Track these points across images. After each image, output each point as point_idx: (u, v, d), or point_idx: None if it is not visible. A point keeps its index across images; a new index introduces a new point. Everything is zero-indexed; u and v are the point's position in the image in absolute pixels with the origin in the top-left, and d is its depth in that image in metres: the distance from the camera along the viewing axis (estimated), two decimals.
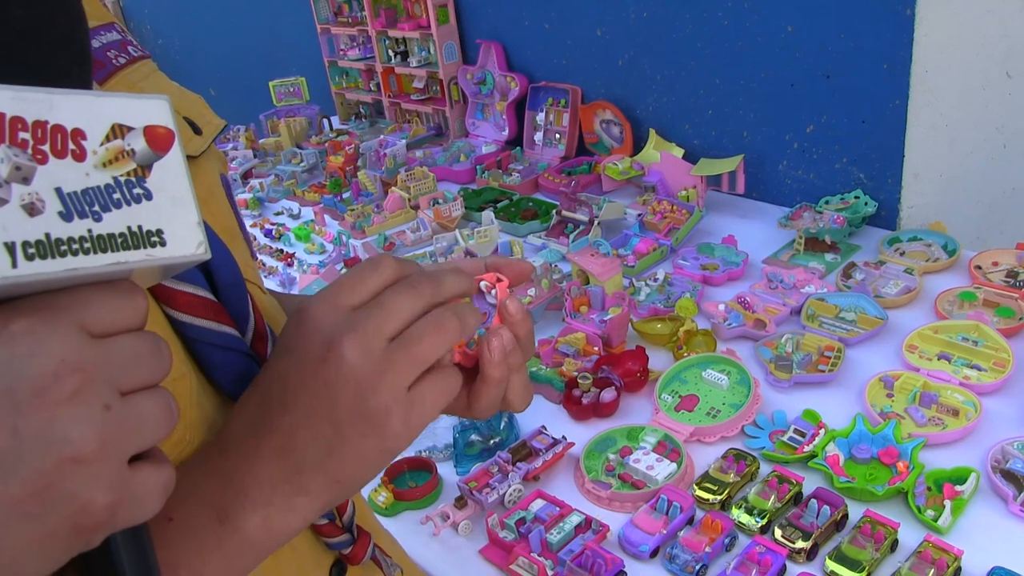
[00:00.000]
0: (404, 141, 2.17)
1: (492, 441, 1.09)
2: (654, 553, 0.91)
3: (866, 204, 1.49)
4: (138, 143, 0.38)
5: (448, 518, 0.99)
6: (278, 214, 2.05)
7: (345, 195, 2.02)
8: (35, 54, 0.38)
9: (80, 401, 0.34)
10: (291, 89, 2.57)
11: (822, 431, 1.03)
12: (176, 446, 0.48)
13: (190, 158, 0.60)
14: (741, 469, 0.99)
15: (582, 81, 1.91)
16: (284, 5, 2.73)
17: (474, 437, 1.08)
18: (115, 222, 0.36)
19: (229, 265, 0.56)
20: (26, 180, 0.34)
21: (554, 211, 1.67)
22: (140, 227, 0.37)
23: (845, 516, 0.92)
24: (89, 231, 0.36)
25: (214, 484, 0.45)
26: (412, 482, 1.06)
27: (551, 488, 1.02)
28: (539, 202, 1.77)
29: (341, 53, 2.52)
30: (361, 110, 2.57)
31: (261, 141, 2.47)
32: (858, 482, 0.96)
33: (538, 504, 0.98)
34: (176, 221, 0.39)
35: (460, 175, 1.99)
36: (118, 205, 0.37)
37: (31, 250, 0.34)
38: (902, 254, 1.41)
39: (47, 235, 0.34)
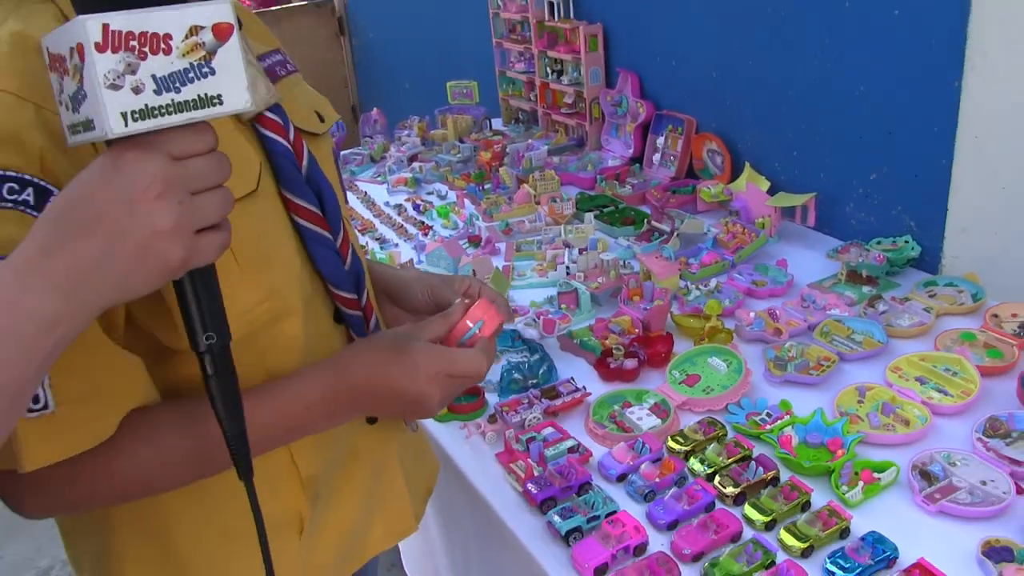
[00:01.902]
0: (547, 147, 2.50)
1: (531, 381, 1.39)
2: (621, 478, 1.19)
3: (912, 248, 1.68)
4: (207, 36, 0.59)
5: (480, 427, 1.30)
6: (429, 193, 2.42)
7: (486, 186, 2.36)
8: None
9: (163, 199, 0.58)
10: (464, 91, 2.95)
11: (787, 417, 1.28)
12: (295, 297, 0.83)
13: (314, 135, 0.95)
14: (709, 432, 1.25)
15: (697, 113, 2.18)
16: (468, 20, 3.11)
17: (516, 375, 1.39)
18: (189, 92, 0.58)
19: (332, 198, 0.89)
20: (133, 72, 0.56)
21: (645, 220, 1.95)
22: (206, 94, 0.59)
23: (776, 479, 1.16)
24: (172, 99, 0.58)
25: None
26: (463, 400, 1.38)
27: (564, 423, 1.31)
28: (639, 212, 2.05)
29: (510, 65, 2.87)
30: (520, 116, 2.91)
31: (431, 132, 2.87)
32: (798, 458, 1.20)
33: (548, 430, 1.28)
34: (232, 87, 0.60)
35: (583, 182, 2.30)
36: (192, 81, 0.58)
37: (136, 115, 0.56)
38: (932, 296, 1.60)
39: (146, 104, 0.57)
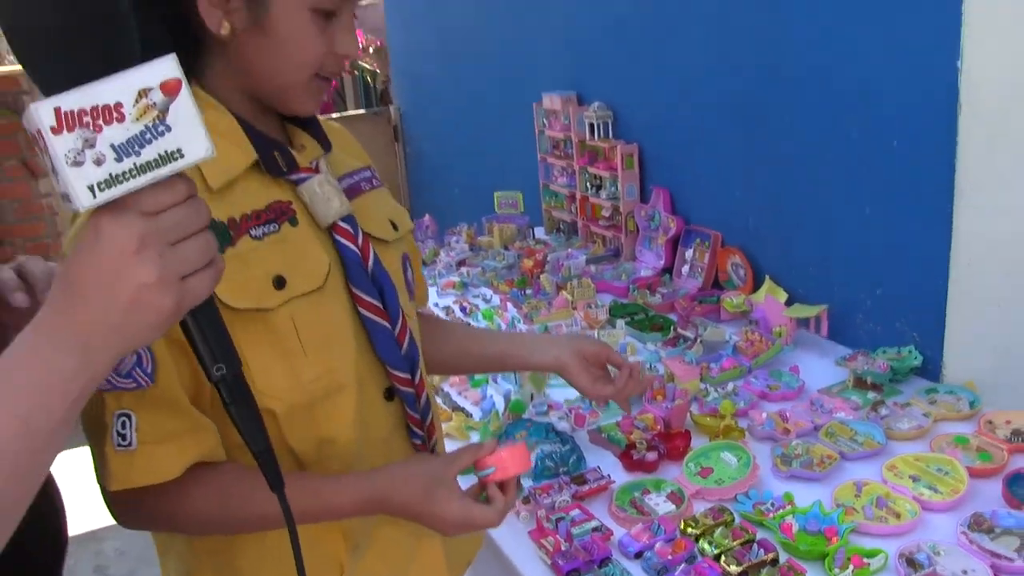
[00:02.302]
0: (585, 256, 2.71)
1: (561, 469, 1.56)
2: (638, 555, 1.35)
3: (914, 358, 1.84)
4: (157, 96, 0.60)
5: (515, 507, 1.47)
6: (475, 296, 2.63)
7: (528, 291, 2.57)
8: (94, 55, 0.61)
9: (141, 255, 0.61)
10: (510, 200, 3.20)
11: (789, 507, 1.43)
12: (350, 376, 1.02)
13: (385, 242, 1.16)
14: (718, 518, 1.40)
15: (723, 229, 2.38)
16: (516, 136, 3.37)
17: (549, 463, 1.56)
18: (150, 152, 0.60)
19: (393, 293, 1.10)
20: (92, 146, 0.58)
21: (672, 327, 2.13)
22: (167, 151, 0.61)
23: (775, 560, 1.31)
24: (135, 163, 0.60)
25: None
26: None
27: (590, 506, 1.48)
28: (667, 320, 2.23)
29: (553, 179, 3.11)
30: (561, 226, 3.14)
31: (478, 238, 3.10)
32: (796, 543, 1.34)
33: (575, 512, 1.44)
34: (190, 140, 0.62)
35: (617, 290, 2.49)
36: (150, 141, 0.60)
37: (102, 185, 0.59)
38: (933, 403, 1.74)
39: (110, 174, 0.59)
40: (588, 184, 2.91)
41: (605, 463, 1.60)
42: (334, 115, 5.32)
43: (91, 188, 0.60)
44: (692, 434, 1.65)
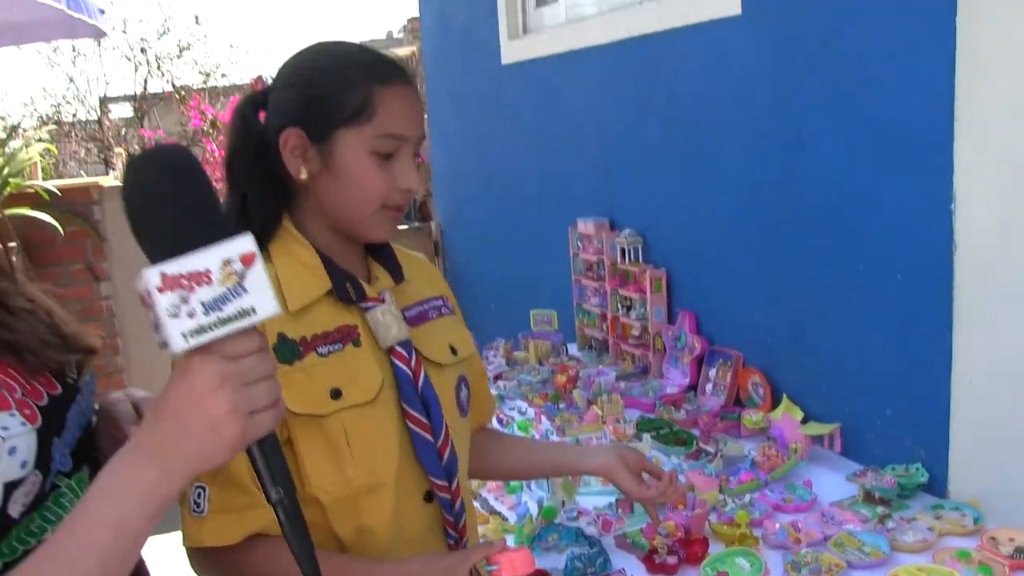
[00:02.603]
0: (615, 373, 2.88)
1: (589, 570, 1.70)
2: None
3: (921, 475, 1.97)
4: (237, 266, 0.76)
5: None
6: (511, 409, 2.79)
7: (561, 405, 2.73)
8: (191, 230, 0.76)
9: (220, 391, 0.74)
10: (545, 318, 3.39)
11: None
12: (390, 477, 1.19)
13: (440, 365, 1.34)
14: None
15: (744, 350, 2.55)
16: (551, 257, 3.60)
17: (578, 564, 1.70)
18: (230, 309, 0.75)
19: (438, 411, 1.27)
20: (186, 302, 0.73)
21: (695, 441, 2.28)
22: (243, 308, 0.76)
23: None
24: (218, 317, 0.75)
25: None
26: None
27: None
28: (690, 435, 2.38)
29: (586, 298, 3.31)
30: (593, 343, 3.32)
31: (515, 353, 3.28)
32: None
33: None
34: (262, 301, 0.77)
35: (645, 406, 2.65)
36: (230, 300, 0.75)
37: (193, 334, 0.74)
38: (938, 518, 1.87)
39: (199, 324, 0.74)
40: (619, 305, 3.10)
41: (629, 566, 1.74)
42: None
43: (184, 335, 0.74)
44: (710, 541, 1.79)
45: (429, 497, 1.29)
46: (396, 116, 1.20)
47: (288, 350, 1.18)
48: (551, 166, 3.74)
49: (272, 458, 0.82)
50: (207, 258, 0.75)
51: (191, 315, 0.74)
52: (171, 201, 0.77)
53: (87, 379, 1.09)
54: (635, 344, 3.02)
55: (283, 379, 1.11)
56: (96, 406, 1.14)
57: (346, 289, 1.24)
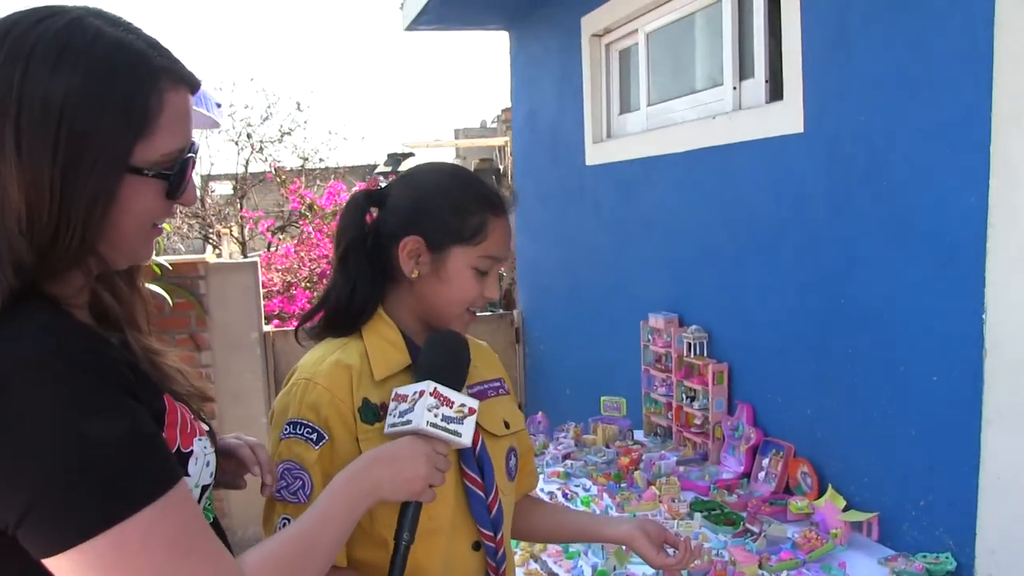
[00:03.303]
0: (675, 458, 3.07)
1: None
2: None
3: (949, 563, 2.11)
4: (466, 411, 1.28)
5: None
6: (576, 485, 3.00)
7: (623, 485, 2.93)
8: (454, 380, 1.32)
9: (423, 463, 1.22)
10: (614, 405, 3.60)
11: None
12: (445, 524, 1.42)
13: (495, 436, 1.58)
14: None
15: (795, 441, 2.72)
16: (623, 348, 3.83)
17: None
18: (451, 426, 1.26)
19: (490, 472, 1.50)
20: (437, 408, 1.25)
21: (742, 522, 2.45)
22: (455, 431, 1.26)
23: None
24: (444, 426, 1.25)
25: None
26: None
27: None
28: (739, 516, 2.55)
29: (654, 388, 3.52)
30: (658, 430, 3.51)
31: (584, 436, 3.49)
32: None
33: None
34: (466, 433, 1.27)
35: (700, 488, 2.83)
36: (453, 423, 1.26)
37: (431, 424, 1.24)
38: None
39: (435, 422, 1.25)
40: (684, 395, 3.30)
41: None
42: None
43: (428, 421, 1.25)
44: None
45: (477, 546, 1.49)
46: (499, 242, 1.48)
47: (370, 412, 1.41)
48: (626, 262, 4.00)
49: (414, 514, 1.27)
50: (459, 397, 1.29)
51: (435, 415, 1.26)
52: (456, 359, 1.38)
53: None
54: (696, 432, 3.21)
55: (364, 436, 1.39)
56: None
57: None
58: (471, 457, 1.47)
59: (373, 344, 1.46)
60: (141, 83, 0.97)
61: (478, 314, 1.62)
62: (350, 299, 1.48)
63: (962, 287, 2.12)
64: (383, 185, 1.57)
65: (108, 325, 1.08)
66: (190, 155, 1.04)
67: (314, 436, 1.37)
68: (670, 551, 1.65)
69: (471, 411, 1.29)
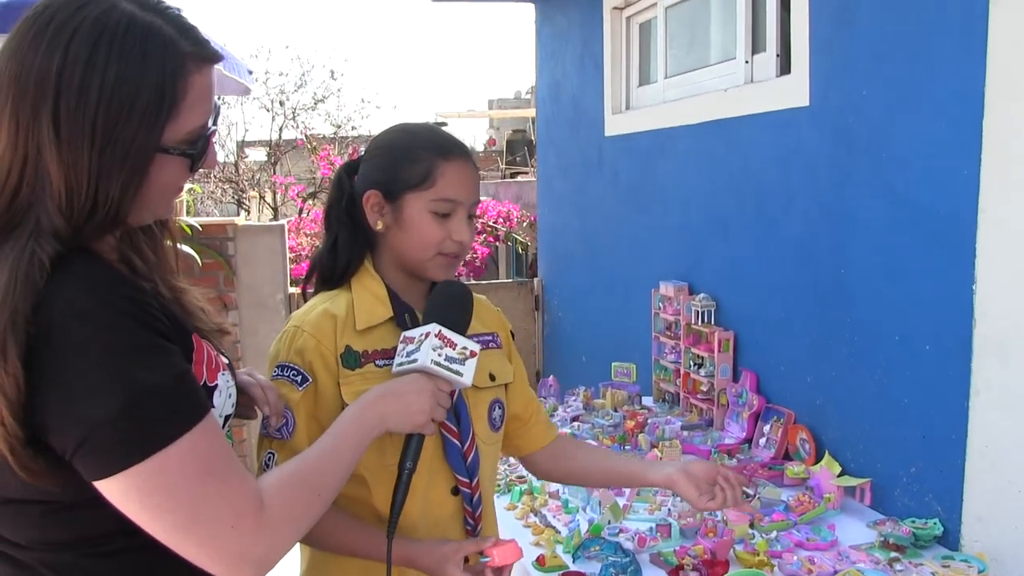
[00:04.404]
0: (680, 423, 3.15)
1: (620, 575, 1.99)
2: None
3: (936, 528, 2.18)
4: (468, 352, 1.38)
5: None
6: (585, 439, 3.09)
7: (627, 447, 3.01)
8: (458, 325, 1.42)
9: (427, 398, 1.32)
10: (625, 370, 3.68)
11: None
12: (423, 467, 1.48)
13: (477, 388, 1.65)
14: None
15: (796, 408, 2.79)
16: (636, 316, 3.90)
17: (612, 570, 1.98)
18: (453, 367, 1.36)
19: (467, 420, 1.58)
20: (441, 348, 1.36)
21: None
22: (457, 371, 1.36)
23: None
24: (448, 366, 1.36)
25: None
26: None
27: None
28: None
29: (663, 354, 3.59)
30: (666, 396, 3.59)
31: (594, 400, 3.58)
32: None
33: None
34: (467, 373, 1.37)
35: (702, 453, 2.90)
36: (456, 363, 1.36)
37: (435, 362, 1.34)
38: (946, 567, 2.07)
39: (439, 361, 1.35)
40: (691, 362, 3.37)
41: None
42: (484, 282, 6.03)
43: (432, 360, 1.35)
44: (731, 565, 2.04)
45: (456, 491, 1.57)
46: (452, 184, 1.54)
47: (352, 359, 1.51)
48: (641, 232, 4.06)
49: (417, 445, 1.37)
50: (462, 340, 1.39)
51: (438, 355, 1.36)
52: (460, 306, 1.48)
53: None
54: (703, 399, 3.28)
55: (345, 380, 1.49)
56: None
57: (404, 318, 1.57)
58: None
59: (359, 297, 1.56)
60: (170, 70, 1.06)
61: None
62: (333, 257, 1.60)
63: (954, 259, 2.16)
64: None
65: (138, 273, 1.19)
66: (212, 128, 1.14)
67: (299, 378, 1.48)
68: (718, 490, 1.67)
69: (472, 354, 1.39)
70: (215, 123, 1.15)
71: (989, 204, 2.08)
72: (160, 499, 1.00)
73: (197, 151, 1.12)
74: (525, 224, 8.80)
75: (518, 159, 18.26)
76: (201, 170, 1.23)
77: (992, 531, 2.12)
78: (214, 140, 1.16)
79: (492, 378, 1.65)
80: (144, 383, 0.99)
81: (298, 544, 1.59)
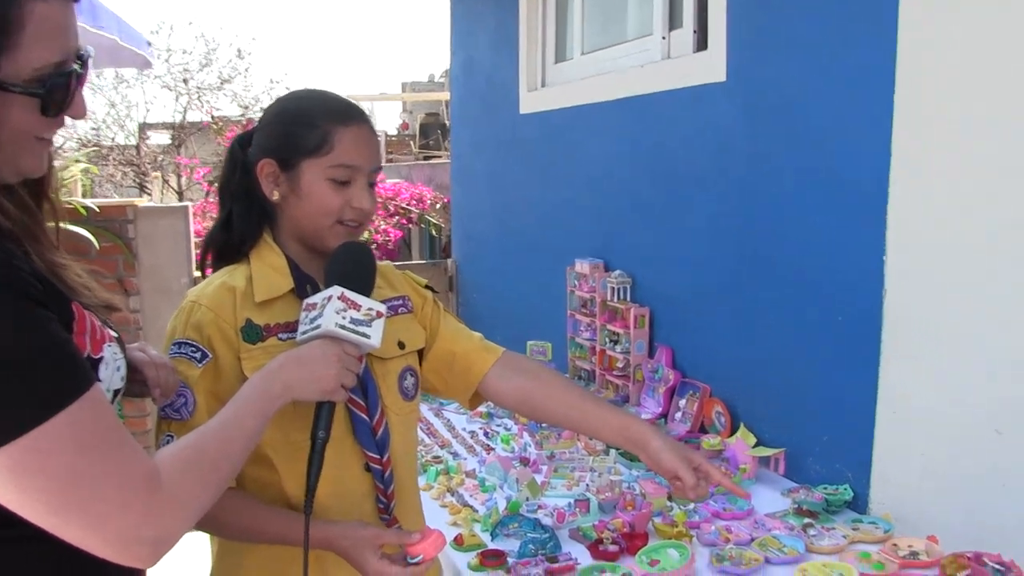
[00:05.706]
0: None
1: (540, 551, 1.96)
2: None
3: (846, 493, 2.22)
4: (374, 313, 1.35)
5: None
6: (498, 425, 3.06)
7: (543, 425, 2.99)
8: (361, 286, 1.38)
9: (334, 363, 1.29)
10: (540, 349, 3.65)
11: None
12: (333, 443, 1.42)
13: (384, 359, 1.60)
14: None
15: (711, 382, 2.81)
16: (550, 294, 3.89)
17: (531, 546, 1.96)
18: (360, 328, 1.32)
19: (374, 394, 1.53)
20: (345, 311, 1.32)
21: None
22: (364, 332, 1.33)
23: None
24: (353, 328, 1.32)
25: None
26: (493, 559, 1.95)
27: None
28: None
29: (579, 332, 3.59)
30: (582, 374, 3.59)
31: None
32: None
33: None
34: (374, 335, 1.34)
35: None
36: (362, 325, 1.33)
37: (339, 326, 1.30)
38: (855, 529, 2.11)
39: (344, 324, 1.31)
40: (607, 339, 3.37)
41: (576, 551, 2.00)
42: (397, 261, 5.95)
43: (336, 324, 1.31)
44: (651, 537, 2.04)
45: (368, 468, 1.53)
46: (350, 150, 1.49)
47: (253, 333, 1.46)
48: (555, 210, 4.04)
49: (328, 413, 1.34)
50: (366, 301, 1.36)
51: (343, 318, 1.32)
52: (362, 266, 1.44)
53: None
54: (619, 375, 3.29)
55: (246, 354, 1.43)
56: None
57: (305, 289, 1.51)
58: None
59: (258, 269, 1.50)
60: None
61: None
62: (226, 232, 1.54)
63: (866, 231, 2.20)
64: None
65: (9, 239, 1.08)
66: (72, 69, 1.03)
67: (197, 355, 1.42)
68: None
69: (379, 315, 1.35)
70: (83, 68, 1.04)
71: (900, 176, 2.12)
72: (40, 481, 0.92)
73: (46, 90, 1.01)
74: (438, 207, 8.74)
75: (431, 143, 18.14)
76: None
77: (897, 492, 2.17)
78: (80, 86, 1.05)
79: (401, 346, 1.61)
80: (14, 353, 0.91)
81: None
